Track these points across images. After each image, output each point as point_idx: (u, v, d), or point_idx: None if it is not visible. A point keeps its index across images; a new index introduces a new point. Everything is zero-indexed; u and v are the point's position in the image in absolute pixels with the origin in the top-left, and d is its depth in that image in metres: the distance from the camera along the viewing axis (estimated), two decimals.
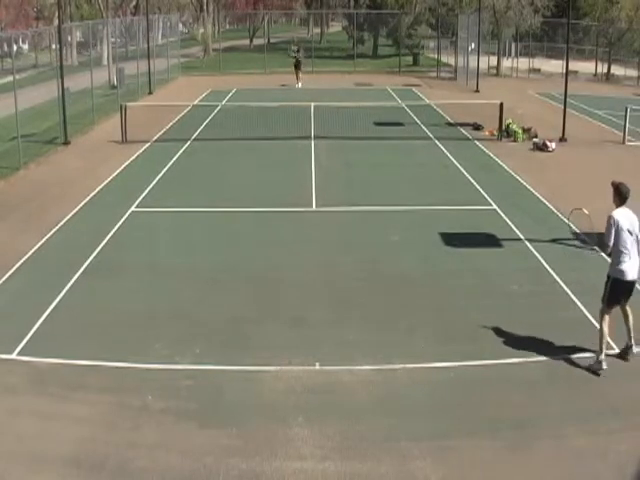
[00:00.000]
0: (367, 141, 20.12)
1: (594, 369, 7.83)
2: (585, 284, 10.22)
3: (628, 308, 8.08)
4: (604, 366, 7.79)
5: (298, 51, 33.16)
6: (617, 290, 7.91)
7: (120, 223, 12.90)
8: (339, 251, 11.59)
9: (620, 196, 7.96)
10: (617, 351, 8.20)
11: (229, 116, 23.25)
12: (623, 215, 7.89)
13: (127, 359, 8.09)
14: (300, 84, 32.57)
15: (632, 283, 7.89)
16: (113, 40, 33.04)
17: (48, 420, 6.94)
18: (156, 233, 12.51)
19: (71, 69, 30.72)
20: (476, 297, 9.85)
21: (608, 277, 7.96)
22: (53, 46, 38.01)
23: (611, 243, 7.81)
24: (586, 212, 9.78)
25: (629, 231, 7.82)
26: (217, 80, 35.37)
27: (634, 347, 8.12)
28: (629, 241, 7.81)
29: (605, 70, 40.84)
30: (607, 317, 7.93)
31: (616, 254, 7.84)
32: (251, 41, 60.60)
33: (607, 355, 7.87)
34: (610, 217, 7.84)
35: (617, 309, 8.09)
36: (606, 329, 7.89)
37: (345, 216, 13.44)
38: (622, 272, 7.81)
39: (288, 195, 14.64)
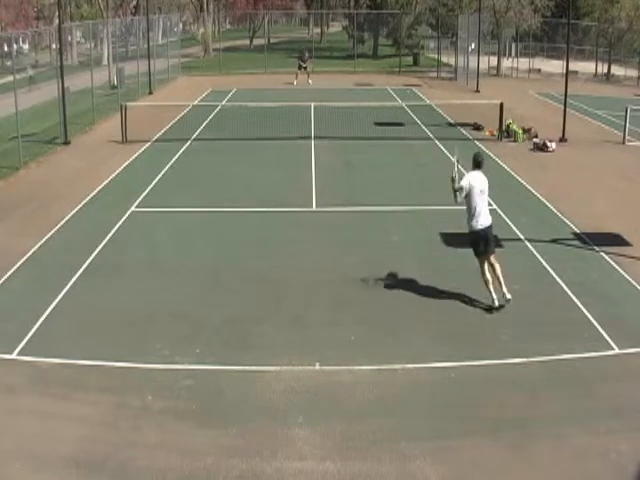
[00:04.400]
0: (367, 141, 20.12)
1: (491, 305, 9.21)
2: (585, 284, 10.24)
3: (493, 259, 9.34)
4: (496, 303, 9.18)
5: (304, 59, 34.08)
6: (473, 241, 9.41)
7: (120, 223, 12.89)
8: (339, 251, 11.59)
9: (475, 163, 9.57)
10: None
11: (229, 116, 23.25)
12: (475, 177, 9.36)
13: (127, 359, 8.09)
14: (295, 83, 33.22)
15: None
16: (113, 40, 32.99)
17: (48, 420, 6.94)
18: (156, 233, 12.51)
19: (71, 69, 30.73)
20: (476, 297, 9.84)
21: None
22: (53, 46, 38.02)
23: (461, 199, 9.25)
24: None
25: (481, 191, 9.27)
26: (217, 80, 35.37)
27: (507, 294, 9.20)
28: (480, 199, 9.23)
29: (605, 70, 40.85)
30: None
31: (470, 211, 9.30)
32: (251, 41, 60.60)
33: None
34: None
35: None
36: (487, 274, 9.34)
37: (345, 216, 13.43)
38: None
39: (288, 195, 14.64)
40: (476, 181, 9.36)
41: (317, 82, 33.79)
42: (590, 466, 6.34)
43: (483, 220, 9.31)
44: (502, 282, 9.27)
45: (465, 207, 9.42)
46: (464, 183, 9.25)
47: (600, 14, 41.39)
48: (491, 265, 9.36)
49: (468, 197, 9.26)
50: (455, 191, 9.24)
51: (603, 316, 9.14)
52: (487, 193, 9.47)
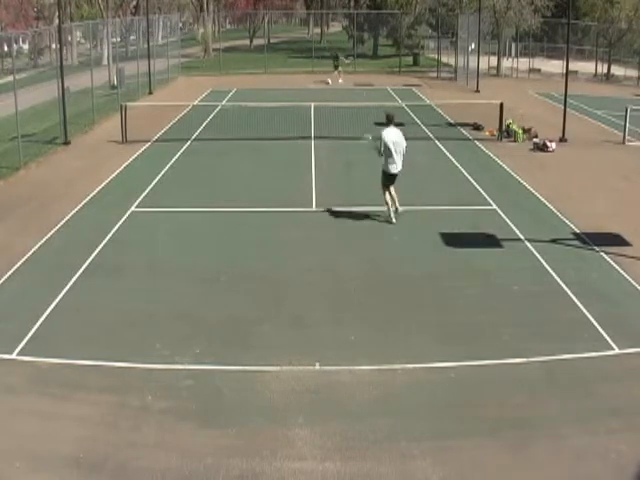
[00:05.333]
0: (367, 141, 20.07)
1: (388, 220, 12.71)
2: (585, 284, 10.24)
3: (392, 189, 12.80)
4: (393, 220, 12.69)
5: (337, 57, 35.51)
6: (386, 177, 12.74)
7: (120, 223, 12.89)
8: (339, 251, 11.59)
9: (387, 120, 12.66)
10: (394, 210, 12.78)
11: (229, 116, 23.24)
12: (391, 133, 12.51)
13: (127, 359, 8.09)
14: (340, 80, 34.30)
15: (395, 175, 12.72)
16: (113, 40, 32.99)
17: (48, 420, 6.94)
18: (156, 233, 12.51)
19: (71, 69, 30.74)
20: (476, 297, 9.86)
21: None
22: (53, 46, 38.04)
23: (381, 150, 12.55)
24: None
25: (393, 143, 12.41)
26: (217, 80, 35.38)
27: (399, 208, 12.82)
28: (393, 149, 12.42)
29: (605, 70, 40.84)
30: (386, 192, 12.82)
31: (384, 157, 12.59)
32: (251, 41, 60.61)
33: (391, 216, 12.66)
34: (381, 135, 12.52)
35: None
36: (387, 197, 12.79)
37: (345, 216, 13.43)
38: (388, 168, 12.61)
39: (288, 195, 14.64)
40: (389, 135, 12.46)
41: (317, 82, 33.83)
42: (590, 466, 6.34)
43: (394, 167, 12.57)
44: (396, 201, 12.86)
45: (383, 156, 12.56)
46: (382, 140, 12.45)
47: (600, 14, 41.36)
48: (390, 192, 12.80)
49: (384, 148, 12.41)
50: (378, 150, 12.60)
51: (603, 316, 9.14)
52: (402, 145, 12.55)
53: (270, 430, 6.84)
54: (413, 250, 11.69)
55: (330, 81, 34.12)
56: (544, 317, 9.22)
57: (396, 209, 12.89)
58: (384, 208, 12.99)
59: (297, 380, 7.73)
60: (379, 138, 12.57)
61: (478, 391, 7.56)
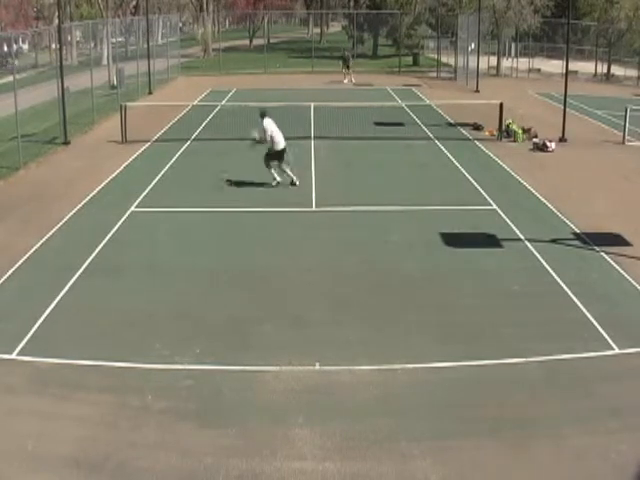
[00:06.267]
0: (367, 141, 20.11)
1: (292, 182, 15.25)
2: (585, 284, 10.24)
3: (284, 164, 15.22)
4: (277, 179, 15.20)
5: (346, 57, 35.80)
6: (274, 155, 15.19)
7: (120, 223, 12.89)
8: (339, 251, 11.59)
9: (262, 114, 15.27)
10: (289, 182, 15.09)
11: (229, 116, 23.22)
12: (269, 122, 15.15)
13: (127, 359, 8.09)
14: (352, 80, 34.74)
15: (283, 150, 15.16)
16: (113, 40, 32.97)
17: (48, 420, 6.94)
18: (156, 233, 12.51)
19: (71, 69, 30.72)
20: (476, 297, 9.85)
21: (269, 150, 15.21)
22: (53, 46, 38.03)
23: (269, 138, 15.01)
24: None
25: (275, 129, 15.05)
26: (217, 80, 35.37)
27: (295, 181, 15.20)
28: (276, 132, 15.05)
29: (605, 70, 40.83)
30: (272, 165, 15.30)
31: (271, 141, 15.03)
32: (251, 41, 60.62)
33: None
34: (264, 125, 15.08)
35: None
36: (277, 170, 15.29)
37: (345, 216, 13.44)
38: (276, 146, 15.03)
39: (288, 195, 14.64)
40: (270, 124, 15.11)
41: (317, 82, 33.83)
42: (590, 466, 6.34)
43: (281, 144, 15.00)
44: (293, 175, 15.23)
45: (269, 142, 14.94)
46: (267, 130, 14.99)
47: (600, 14, 41.33)
48: (284, 169, 15.18)
49: (271, 135, 14.87)
50: (261, 138, 15.12)
51: (603, 316, 9.14)
52: (276, 129, 15.13)
53: (270, 430, 6.84)
54: (413, 250, 11.69)
55: (353, 79, 34.59)
56: (544, 317, 9.22)
57: (292, 180, 15.23)
58: (382, 207, 12.98)
59: (297, 380, 7.73)
60: (263, 129, 15.10)
61: (478, 391, 7.56)
